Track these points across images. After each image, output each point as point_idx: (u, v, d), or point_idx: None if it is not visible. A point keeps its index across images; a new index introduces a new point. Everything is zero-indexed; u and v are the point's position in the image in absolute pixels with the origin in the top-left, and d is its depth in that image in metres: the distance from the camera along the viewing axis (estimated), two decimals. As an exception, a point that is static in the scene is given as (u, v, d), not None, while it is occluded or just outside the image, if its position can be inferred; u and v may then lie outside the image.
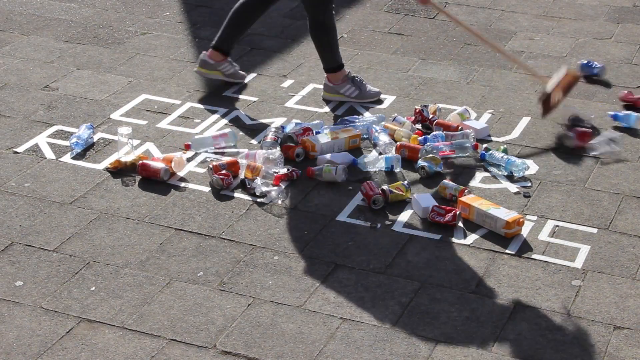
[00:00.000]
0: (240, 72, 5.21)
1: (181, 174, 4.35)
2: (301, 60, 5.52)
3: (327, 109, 4.97)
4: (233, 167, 4.28)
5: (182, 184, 4.28)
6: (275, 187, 4.16)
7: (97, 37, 5.82)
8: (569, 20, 6.11)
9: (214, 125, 4.79)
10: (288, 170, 4.29)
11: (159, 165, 4.30)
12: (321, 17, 4.87)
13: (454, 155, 4.44)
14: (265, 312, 3.48)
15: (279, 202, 4.12)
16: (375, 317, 3.46)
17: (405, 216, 4.05)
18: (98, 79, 5.27)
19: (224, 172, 4.23)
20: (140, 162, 4.32)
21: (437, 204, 4.01)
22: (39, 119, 4.84)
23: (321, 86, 5.19)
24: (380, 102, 4.98)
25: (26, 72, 5.35)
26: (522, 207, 4.10)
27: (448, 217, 3.93)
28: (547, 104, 4.70)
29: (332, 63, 4.97)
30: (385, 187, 4.12)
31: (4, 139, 4.65)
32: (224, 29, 5.04)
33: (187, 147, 4.51)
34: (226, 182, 4.21)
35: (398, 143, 4.48)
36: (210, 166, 4.26)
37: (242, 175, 4.27)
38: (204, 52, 5.11)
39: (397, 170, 4.34)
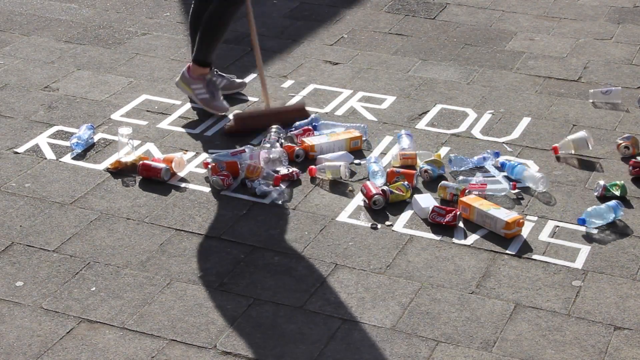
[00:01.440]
0: (234, 80, 5.09)
1: (182, 174, 4.35)
2: (301, 61, 5.53)
3: (327, 109, 4.97)
4: (232, 168, 4.27)
5: (183, 185, 4.28)
6: (276, 188, 4.17)
7: (97, 37, 5.82)
8: (569, 20, 6.12)
9: (215, 125, 4.79)
10: (288, 170, 4.29)
11: (160, 165, 4.30)
12: (223, 9, 4.65)
13: (488, 192, 4.16)
14: (266, 313, 3.48)
15: (280, 202, 4.12)
16: (375, 317, 3.46)
17: (405, 216, 4.05)
18: (98, 80, 5.27)
19: (224, 173, 4.23)
20: (141, 162, 4.32)
21: (437, 204, 4.01)
22: (40, 119, 4.84)
23: (322, 86, 5.20)
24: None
25: (26, 73, 5.35)
26: (522, 208, 4.10)
27: (448, 217, 3.93)
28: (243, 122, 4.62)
29: (203, 57, 4.76)
30: (385, 187, 4.12)
31: (4, 139, 4.65)
32: (192, 44, 4.94)
33: (206, 165, 4.35)
34: (226, 183, 4.21)
35: (391, 169, 4.28)
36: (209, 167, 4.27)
37: (242, 176, 4.27)
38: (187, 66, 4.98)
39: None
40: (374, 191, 4.08)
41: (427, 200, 4.05)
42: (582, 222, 3.95)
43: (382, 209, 4.08)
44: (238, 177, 4.28)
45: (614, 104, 4.99)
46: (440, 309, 3.51)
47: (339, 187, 4.26)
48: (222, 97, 4.85)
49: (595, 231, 3.93)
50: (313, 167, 4.31)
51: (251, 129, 4.64)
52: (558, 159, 4.48)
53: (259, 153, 4.36)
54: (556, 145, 4.51)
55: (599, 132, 4.70)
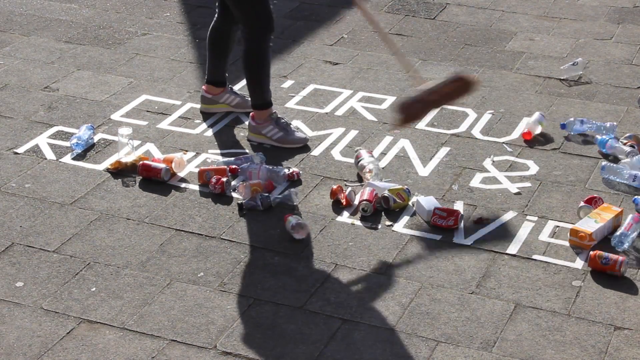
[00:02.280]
0: (248, 99, 4.86)
1: (182, 174, 4.35)
2: (301, 61, 5.53)
3: (327, 109, 4.97)
4: (219, 174, 4.24)
5: (183, 185, 4.28)
6: (291, 190, 4.14)
7: (97, 37, 5.82)
8: (569, 20, 6.12)
9: (215, 125, 4.79)
10: (289, 170, 4.28)
11: (160, 165, 4.30)
12: (254, 45, 4.52)
13: None
14: (266, 313, 3.48)
15: (294, 203, 4.10)
16: (375, 317, 3.46)
17: (405, 217, 4.05)
18: (98, 80, 5.27)
19: (222, 178, 4.20)
20: (141, 162, 4.32)
21: (439, 206, 4.00)
22: (40, 119, 4.84)
23: (322, 87, 5.20)
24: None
25: (26, 73, 5.35)
26: (522, 208, 4.10)
27: (450, 220, 3.93)
28: (409, 110, 4.02)
29: (261, 100, 4.59)
30: (386, 193, 4.10)
31: (4, 139, 4.65)
32: (208, 61, 4.82)
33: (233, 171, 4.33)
34: (218, 189, 4.17)
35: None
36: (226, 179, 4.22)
37: (245, 197, 4.13)
38: (203, 87, 4.91)
39: None
40: (364, 197, 4.05)
41: (430, 203, 4.05)
42: None
43: (382, 208, 4.08)
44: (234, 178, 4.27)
45: (580, 75, 5.22)
46: (440, 309, 3.51)
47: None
48: (295, 129, 4.64)
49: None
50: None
51: (419, 117, 4.28)
52: (529, 143, 4.56)
53: (259, 169, 4.28)
54: (526, 131, 4.61)
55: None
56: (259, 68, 4.58)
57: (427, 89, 4.06)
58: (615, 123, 4.69)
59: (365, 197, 4.06)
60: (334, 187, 4.12)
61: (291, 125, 4.65)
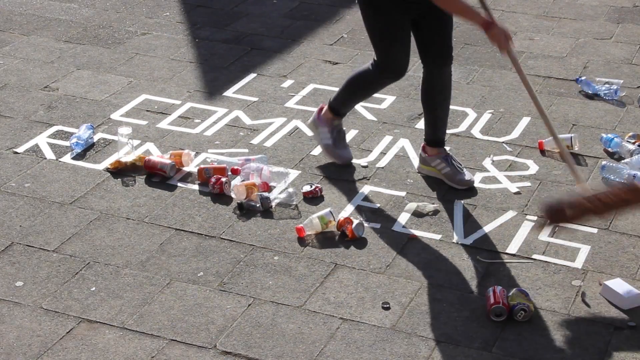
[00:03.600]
0: (462, 177, 4.25)
1: (187, 169, 4.34)
2: (301, 61, 5.52)
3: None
4: (219, 172, 4.24)
5: (183, 185, 4.28)
6: (290, 190, 4.13)
7: (97, 37, 5.82)
8: (569, 20, 6.12)
9: (214, 125, 4.79)
10: (311, 187, 4.19)
11: (165, 161, 4.30)
12: (377, 77, 4.25)
13: None
14: (266, 313, 3.48)
15: (293, 204, 4.10)
16: (375, 317, 3.46)
17: (404, 217, 4.05)
18: (98, 79, 5.27)
19: (222, 178, 4.19)
20: (147, 158, 4.33)
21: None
22: (39, 119, 4.84)
23: (322, 86, 5.20)
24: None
25: (26, 73, 5.35)
26: (522, 207, 4.10)
27: None
28: (557, 216, 3.53)
29: (338, 107, 4.37)
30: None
31: (4, 139, 4.65)
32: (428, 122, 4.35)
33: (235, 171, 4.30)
34: (218, 188, 4.16)
35: None
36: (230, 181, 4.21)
37: (240, 197, 4.12)
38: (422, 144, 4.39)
39: None
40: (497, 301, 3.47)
41: (621, 286, 3.55)
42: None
43: (379, 209, 4.07)
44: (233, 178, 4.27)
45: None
46: (440, 308, 3.51)
47: (339, 187, 4.26)
48: (347, 147, 4.44)
49: (595, 230, 3.92)
50: (300, 225, 3.92)
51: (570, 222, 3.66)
52: (543, 153, 4.49)
53: (261, 169, 4.24)
54: (542, 140, 4.55)
55: (598, 132, 4.70)
56: (358, 92, 4.36)
57: (587, 195, 3.54)
58: (621, 81, 5.15)
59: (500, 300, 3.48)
60: (341, 218, 3.95)
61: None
